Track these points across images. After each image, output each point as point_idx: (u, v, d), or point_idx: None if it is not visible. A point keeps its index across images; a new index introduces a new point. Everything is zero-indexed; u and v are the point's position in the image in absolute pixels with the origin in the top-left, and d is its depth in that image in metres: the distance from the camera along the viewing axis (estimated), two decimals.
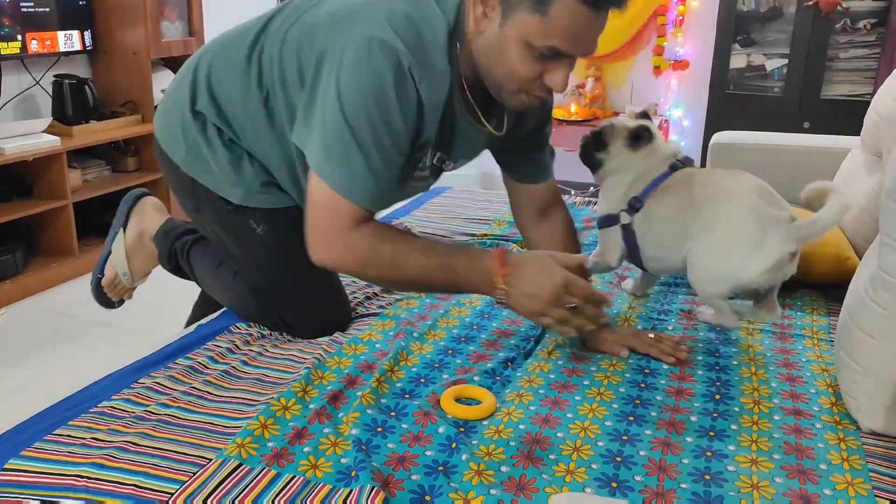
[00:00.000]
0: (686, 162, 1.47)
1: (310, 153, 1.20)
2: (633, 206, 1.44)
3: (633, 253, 1.49)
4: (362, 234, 1.19)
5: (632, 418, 1.18)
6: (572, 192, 3.59)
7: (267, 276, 1.45)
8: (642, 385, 1.28)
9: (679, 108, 4.32)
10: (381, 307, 1.58)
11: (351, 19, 1.18)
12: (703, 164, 3.75)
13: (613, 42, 4.27)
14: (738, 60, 3.99)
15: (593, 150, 1.52)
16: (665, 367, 1.34)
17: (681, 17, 4.13)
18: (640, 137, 1.47)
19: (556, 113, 4.26)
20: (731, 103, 4.02)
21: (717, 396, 1.25)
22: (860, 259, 1.41)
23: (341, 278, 1.53)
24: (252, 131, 1.33)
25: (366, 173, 1.16)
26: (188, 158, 1.39)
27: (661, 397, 1.24)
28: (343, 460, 1.07)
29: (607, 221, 1.50)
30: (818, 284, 1.71)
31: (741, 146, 2.54)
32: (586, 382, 1.29)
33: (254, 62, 1.29)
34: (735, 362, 1.37)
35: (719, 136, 2.62)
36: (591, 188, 4.36)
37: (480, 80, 1.24)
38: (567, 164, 4.63)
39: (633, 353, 1.38)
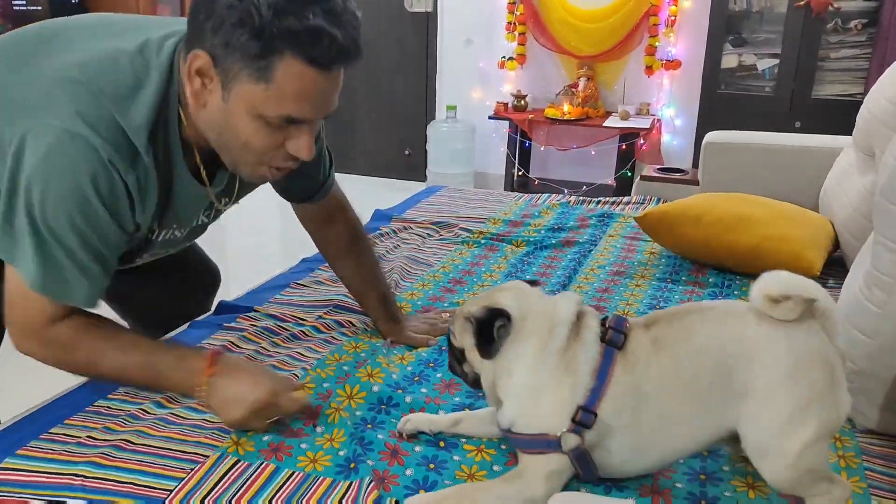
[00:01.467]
0: (619, 326, 0.99)
1: (10, 256, 1.07)
2: (584, 423, 0.95)
3: (583, 470, 0.99)
4: (59, 331, 1.10)
5: None
6: (566, 192, 3.61)
7: None
8: None
9: (671, 107, 4.34)
10: None
11: (31, 106, 1.02)
12: (695, 164, 3.77)
13: (605, 42, 4.29)
14: (729, 60, 4.01)
15: (455, 361, 1.10)
16: None
17: (673, 17, 4.14)
18: (491, 341, 0.99)
19: (549, 112, 4.27)
20: (722, 103, 4.04)
21: None
22: (850, 257, 1.43)
23: None
24: None
25: (77, 278, 1.07)
26: None
27: None
28: (341, 452, 1.07)
29: (531, 445, 0.99)
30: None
31: (734, 146, 2.55)
32: None
33: None
34: None
35: (712, 136, 2.63)
36: (584, 187, 4.38)
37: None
38: (559, 164, 4.68)
39: None
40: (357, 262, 1.48)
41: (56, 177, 0.99)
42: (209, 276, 1.71)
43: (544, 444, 0.96)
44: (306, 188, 1.38)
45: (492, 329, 0.99)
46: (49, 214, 1.01)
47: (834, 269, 1.81)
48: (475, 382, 1.06)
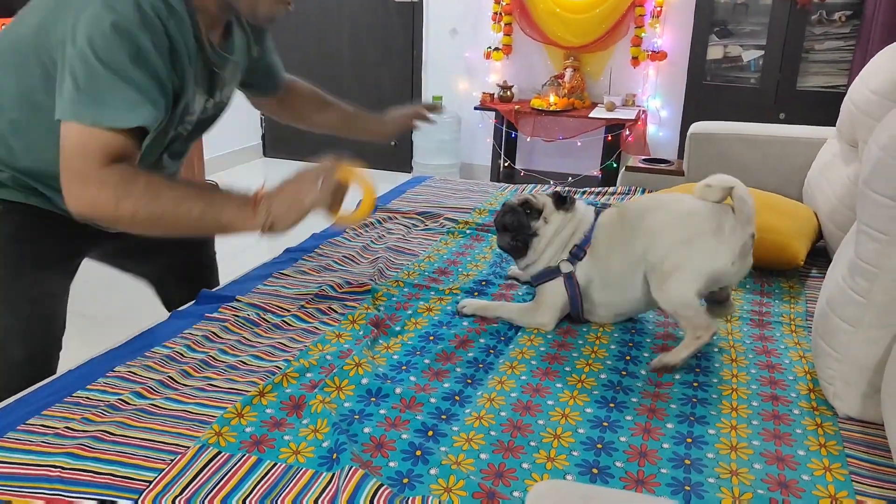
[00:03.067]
0: (603, 205, 1.52)
1: (60, 106, 1.14)
2: (576, 255, 1.45)
3: (573, 305, 1.46)
4: (115, 169, 1.15)
5: (612, 405, 1.18)
6: (552, 183, 3.60)
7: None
8: (623, 372, 1.29)
9: (657, 98, 4.34)
10: (356, 302, 1.57)
11: None
12: (680, 155, 3.78)
13: (591, 33, 4.28)
14: (715, 51, 4.01)
15: (527, 221, 1.48)
16: (646, 354, 1.35)
17: (659, 8, 4.14)
18: (565, 199, 1.48)
19: (535, 103, 4.26)
20: (708, 94, 4.04)
21: (696, 384, 1.26)
22: (831, 245, 1.44)
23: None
24: (27, 124, 1.24)
25: (133, 96, 1.13)
26: None
27: (641, 383, 1.25)
28: (324, 444, 1.06)
29: (547, 276, 1.47)
30: (794, 272, 1.73)
31: (719, 136, 2.55)
32: (567, 369, 1.29)
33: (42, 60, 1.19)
34: (714, 349, 1.38)
35: (697, 126, 2.63)
36: (570, 178, 4.38)
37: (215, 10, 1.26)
38: (545, 155, 4.68)
39: (614, 340, 1.39)
40: (332, 107, 1.72)
41: (107, 23, 1.09)
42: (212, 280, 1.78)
43: (550, 272, 1.46)
44: (271, 82, 1.61)
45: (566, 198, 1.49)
46: (101, 49, 1.10)
47: (818, 259, 1.82)
48: (524, 248, 1.49)
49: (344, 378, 1.22)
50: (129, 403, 1.15)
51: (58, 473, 0.99)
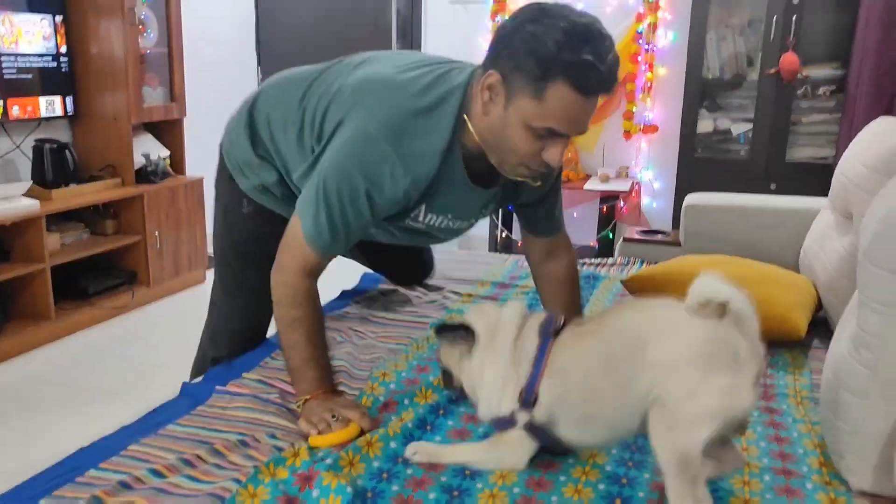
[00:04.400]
0: (553, 321, 1.21)
1: (300, 197, 1.40)
2: (526, 402, 1.17)
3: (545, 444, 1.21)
4: (294, 284, 1.39)
5: (625, 480, 1.18)
6: None
7: (226, 253, 1.72)
8: (629, 463, 1.29)
9: (649, 170, 4.44)
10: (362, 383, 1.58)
11: (365, 100, 1.36)
12: (675, 225, 3.84)
13: None
14: (705, 125, 4.13)
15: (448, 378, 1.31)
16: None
17: (649, 84, 4.27)
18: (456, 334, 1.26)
19: None
20: (700, 166, 4.14)
21: None
22: (833, 317, 1.46)
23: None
24: (282, 151, 1.56)
25: (326, 229, 1.36)
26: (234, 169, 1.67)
27: (652, 459, 1.25)
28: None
29: (503, 424, 1.21)
30: (796, 343, 1.75)
31: (714, 207, 2.61)
32: (563, 478, 1.28)
33: (302, 104, 1.50)
34: None
35: (692, 198, 2.69)
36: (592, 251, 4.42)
37: (481, 151, 1.37)
38: None
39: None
40: (566, 297, 1.70)
41: (346, 159, 1.33)
42: (423, 268, 2.22)
43: (504, 423, 1.20)
44: (547, 225, 1.67)
45: (456, 340, 1.25)
46: (329, 182, 1.33)
47: (819, 329, 1.84)
48: (463, 392, 1.27)
49: (357, 453, 1.22)
50: (143, 482, 1.14)
51: None
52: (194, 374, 1.77)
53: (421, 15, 4.67)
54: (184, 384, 1.52)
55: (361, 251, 1.98)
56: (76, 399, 2.71)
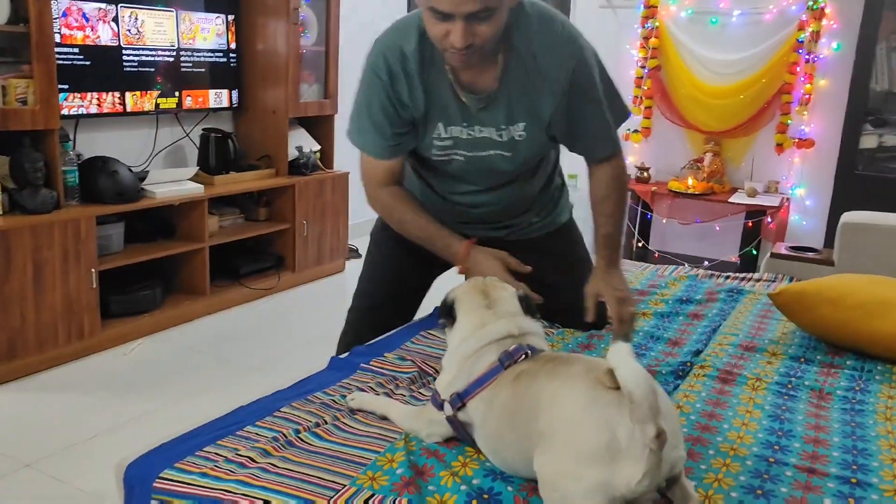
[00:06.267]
0: (513, 354, 1.21)
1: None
2: (453, 404, 1.22)
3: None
4: (382, 195, 1.68)
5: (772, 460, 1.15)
6: (687, 266, 3.55)
7: (367, 267, 1.91)
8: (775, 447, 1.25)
9: (802, 187, 4.22)
10: None
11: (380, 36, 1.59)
12: (827, 245, 3.63)
13: (733, 119, 4.25)
14: (868, 140, 3.88)
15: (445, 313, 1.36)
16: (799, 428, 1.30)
17: (807, 96, 4.06)
18: (448, 313, 1.32)
19: (672, 185, 4.24)
20: (859, 184, 3.89)
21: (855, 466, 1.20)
22: None
23: None
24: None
25: (370, 134, 1.59)
26: None
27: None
28: (475, 481, 1.09)
29: (435, 402, 1.27)
30: None
31: (874, 227, 2.45)
32: (719, 439, 1.27)
33: None
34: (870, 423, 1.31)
35: (850, 216, 2.54)
36: (706, 262, 4.28)
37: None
38: (679, 237, 4.61)
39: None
40: (603, 199, 1.71)
41: (367, 66, 1.57)
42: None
43: (434, 400, 1.27)
44: (594, 144, 1.68)
45: (443, 314, 1.34)
46: (357, 93, 1.60)
47: None
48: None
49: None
50: (292, 440, 1.24)
51: (231, 497, 1.08)
52: (341, 350, 1.87)
53: (570, 19, 4.67)
54: (332, 358, 1.62)
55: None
56: (224, 371, 2.92)
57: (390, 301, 1.87)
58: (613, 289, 1.59)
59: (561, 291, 1.67)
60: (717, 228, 4.34)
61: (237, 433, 1.26)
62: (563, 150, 1.77)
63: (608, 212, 1.70)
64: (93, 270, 2.92)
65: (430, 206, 1.73)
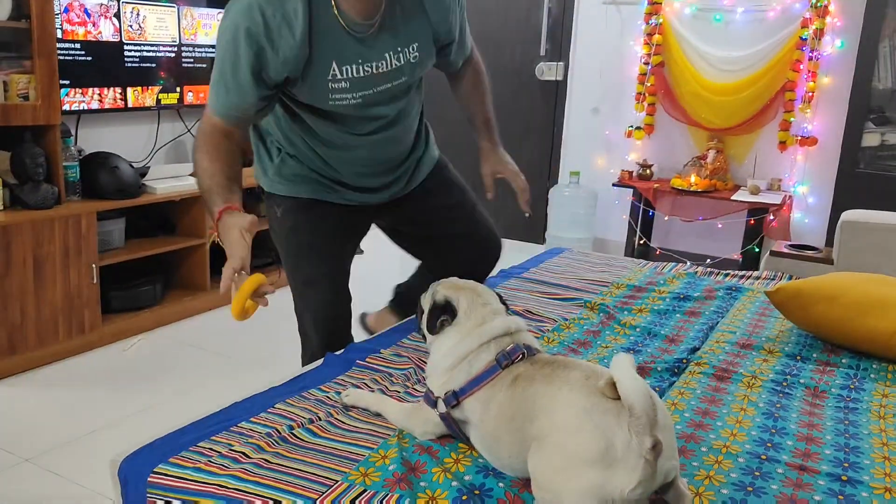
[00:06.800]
0: (511, 354, 1.21)
1: None
2: (448, 402, 1.22)
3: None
4: (205, 133, 1.57)
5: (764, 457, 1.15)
6: (688, 264, 3.54)
7: (286, 260, 1.85)
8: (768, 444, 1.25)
9: (804, 184, 4.20)
10: None
11: None
12: (828, 243, 3.62)
13: (737, 116, 4.23)
14: (871, 139, 3.86)
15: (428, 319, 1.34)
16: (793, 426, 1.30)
17: (810, 94, 4.04)
18: (445, 312, 1.30)
19: (675, 183, 4.23)
20: (861, 182, 3.87)
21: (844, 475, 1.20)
22: None
23: None
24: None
25: (220, 93, 1.51)
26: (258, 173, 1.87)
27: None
28: (466, 478, 1.10)
29: (428, 400, 1.27)
30: None
31: (874, 225, 2.45)
32: (712, 436, 1.27)
33: None
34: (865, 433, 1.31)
35: (850, 214, 2.54)
36: (708, 259, 4.28)
37: None
38: (681, 235, 4.60)
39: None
40: (473, 92, 1.88)
41: (227, 18, 1.47)
42: (493, 247, 2.03)
43: (430, 401, 1.26)
44: (461, 52, 1.80)
45: (436, 319, 1.29)
46: (217, 49, 1.50)
47: None
48: (423, 334, 1.36)
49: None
50: (285, 436, 1.24)
51: (224, 492, 1.08)
52: (307, 361, 1.88)
53: (573, 15, 4.66)
54: (328, 354, 1.62)
55: (419, 254, 2.05)
56: (224, 365, 2.93)
57: (335, 314, 1.85)
58: (507, 164, 1.85)
59: (457, 221, 1.91)
60: (720, 226, 4.33)
61: (231, 429, 1.27)
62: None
63: (481, 100, 1.89)
64: (93, 266, 2.93)
65: (333, 164, 1.73)
